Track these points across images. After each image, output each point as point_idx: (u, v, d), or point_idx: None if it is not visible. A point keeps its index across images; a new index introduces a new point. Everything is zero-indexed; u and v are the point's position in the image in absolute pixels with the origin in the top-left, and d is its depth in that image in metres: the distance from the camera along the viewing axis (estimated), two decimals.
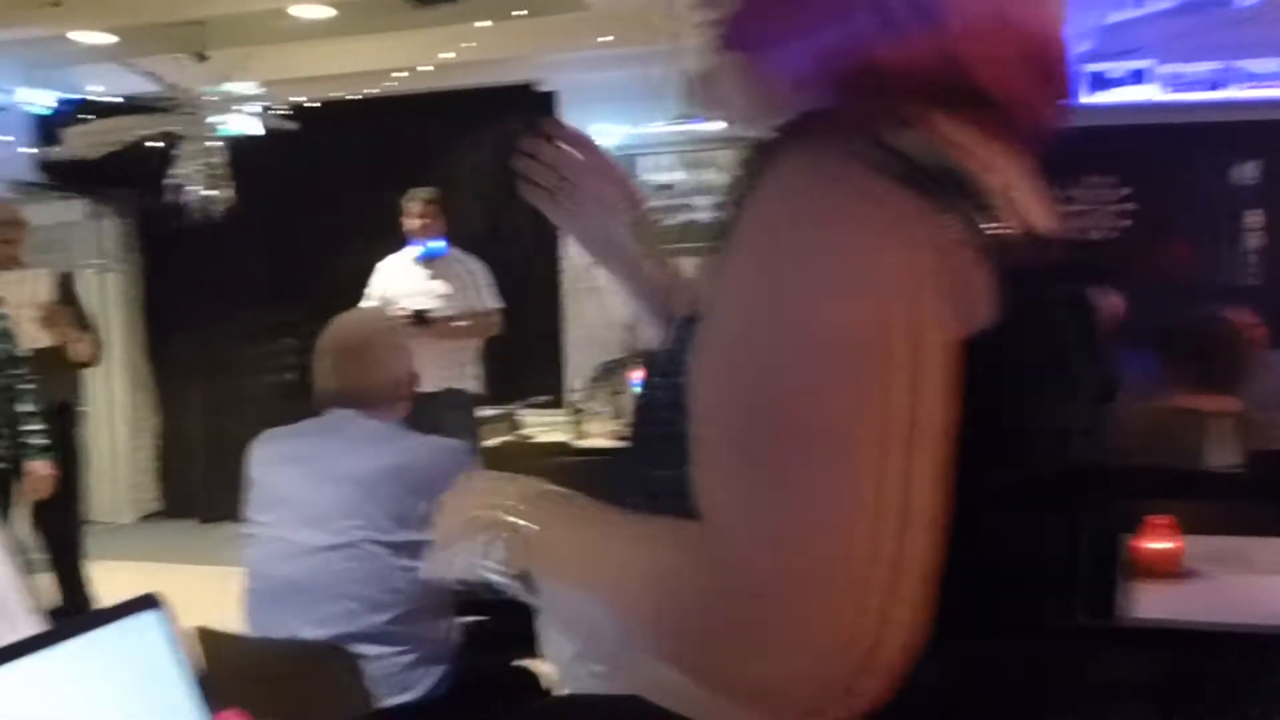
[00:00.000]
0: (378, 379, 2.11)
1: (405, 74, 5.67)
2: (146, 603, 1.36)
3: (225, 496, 7.03)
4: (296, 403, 7.03)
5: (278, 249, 6.83)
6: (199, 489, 7.26)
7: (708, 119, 6.33)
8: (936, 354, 0.66)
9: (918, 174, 0.67)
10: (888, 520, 0.63)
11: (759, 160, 0.76)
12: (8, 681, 1.14)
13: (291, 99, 5.59)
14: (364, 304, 5.35)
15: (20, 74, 6.31)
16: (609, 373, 5.66)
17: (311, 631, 1.96)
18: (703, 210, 6.61)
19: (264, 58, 5.35)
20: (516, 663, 2.41)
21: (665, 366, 0.82)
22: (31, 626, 1.40)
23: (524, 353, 6.15)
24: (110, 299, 7.11)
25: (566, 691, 1.72)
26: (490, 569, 0.83)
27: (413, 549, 2.00)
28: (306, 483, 2.04)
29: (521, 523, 0.85)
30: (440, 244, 5.42)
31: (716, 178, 6.61)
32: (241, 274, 6.91)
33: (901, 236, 0.67)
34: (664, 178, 6.71)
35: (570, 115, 6.62)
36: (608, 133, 6.55)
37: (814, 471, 0.64)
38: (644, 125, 6.56)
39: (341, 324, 2.33)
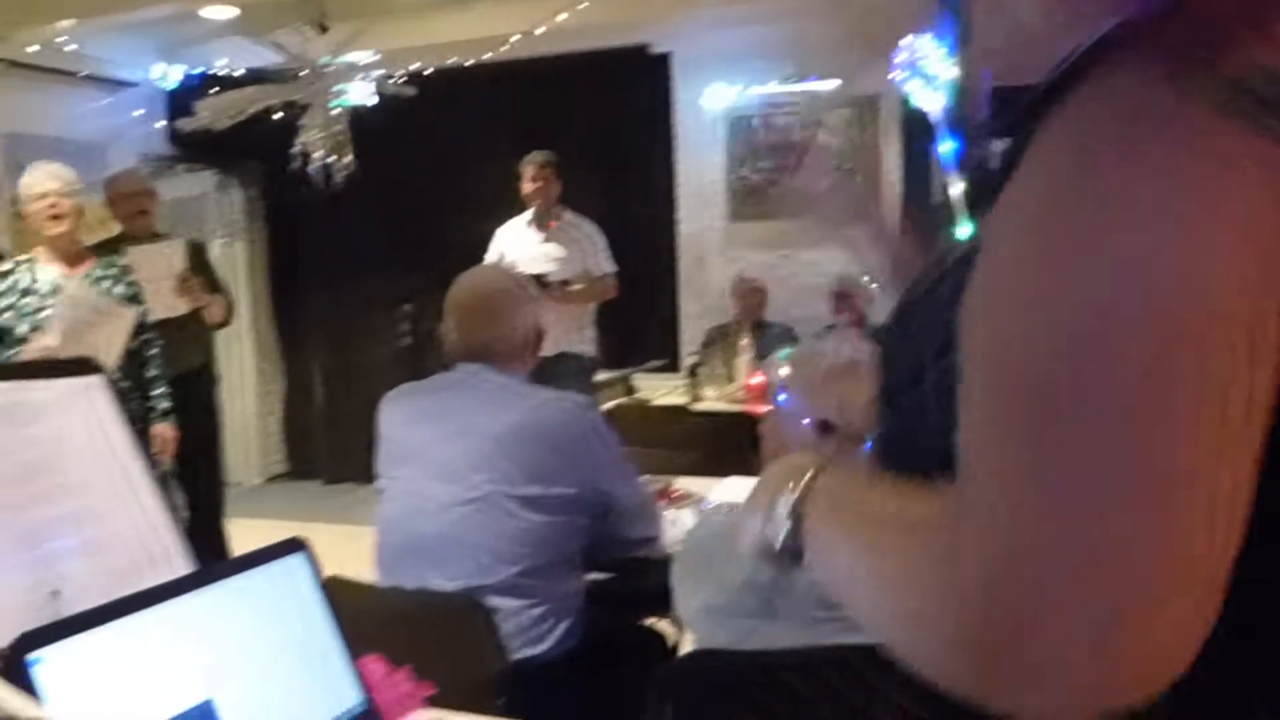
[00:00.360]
0: (506, 334, 2.11)
1: (520, 39, 5.68)
2: (292, 546, 1.39)
3: (346, 459, 7.32)
4: (414, 368, 7.21)
5: (397, 216, 6.96)
6: (322, 452, 7.50)
7: (825, 77, 6.22)
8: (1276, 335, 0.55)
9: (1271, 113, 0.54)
10: (1221, 518, 0.55)
11: (1034, 109, 0.63)
12: (168, 616, 1.17)
13: (409, 67, 5.66)
14: None
15: (152, 51, 6.54)
16: (724, 336, 5.63)
17: (445, 584, 1.99)
18: None
19: (382, 28, 5.42)
20: (641, 622, 2.41)
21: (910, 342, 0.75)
22: (187, 569, 1.44)
23: (640, 317, 6.15)
24: (238, 268, 7.36)
25: (697, 647, 1.72)
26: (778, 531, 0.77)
27: (540, 503, 2.01)
28: (437, 437, 2.06)
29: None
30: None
31: (831, 140, 6.49)
32: (362, 241, 7.06)
33: (1252, 189, 0.55)
34: (779, 139, 6.61)
35: (684, 78, 6.57)
36: (722, 94, 6.49)
37: (1144, 462, 0.55)
38: (758, 86, 6.47)
39: (471, 279, 2.35)
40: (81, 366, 1.50)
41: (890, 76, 4.96)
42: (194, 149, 6.79)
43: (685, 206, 6.65)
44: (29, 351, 3.21)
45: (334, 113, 4.97)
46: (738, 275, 6.01)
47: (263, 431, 7.67)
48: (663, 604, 2.19)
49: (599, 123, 6.68)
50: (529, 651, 1.99)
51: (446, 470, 2.02)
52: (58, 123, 6.01)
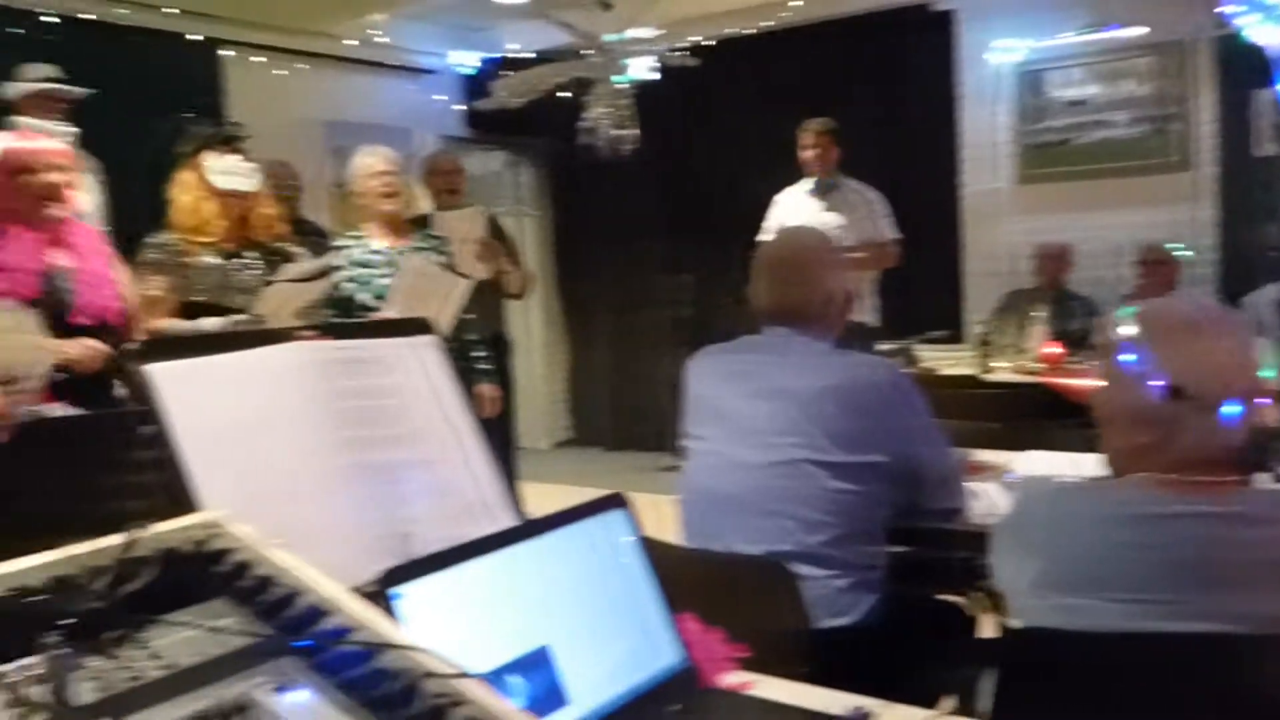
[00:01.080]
0: (815, 296, 2.07)
1: (801, 3, 5.59)
2: (614, 501, 1.43)
3: (629, 426, 7.54)
4: (694, 337, 7.30)
5: (678, 187, 7.06)
6: (605, 418, 7.76)
7: (1128, 25, 5.75)
8: None
9: None
10: None
11: None
12: (507, 563, 1.23)
13: (690, 39, 5.72)
14: (762, 237, 5.40)
15: (450, 39, 6.95)
16: (1018, 303, 5.34)
17: (747, 547, 1.98)
18: (1120, 126, 6.04)
19: (664, 2, 5.49)
20: (941, 597, 2.32)
21: None
22: (510, 520, 1.51)
23: (922, 284, 5.94)
24: (527, 242, 7.71)
25: (1020, 623, 1.62)
26: None
27: (848, 471, 1.96)
28: (745, 399, 2.05)
29: None
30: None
31: (1136, 89, 5.99)
32: (643, 213, 7.22)
33: None
34: (1074, 93, 6.18)
35: (969, 34, 6.26)
36: (1009, 49, 6.13)
37: None
38: (1050, 38, 6.07)
39: (780, 240, 2.32)
40: (417, 327, 1.60)
41: (1219, 11, 4.51)
42: (488, 129, 7.17)
43: (970, 169, 6.36)
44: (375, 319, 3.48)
45: (619, 87, 5.09)
46: (1040, 241, 5.68)
47: (550, 398, 8.03)
48: (967, 578, 2.10)
49: (879, 86, 6.49)
50: (832, 622, 1.96)
51: (752, 432, 2.01)
52: (370, 108, 6.51)
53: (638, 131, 5.09)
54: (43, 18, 4.84)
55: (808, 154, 5.30)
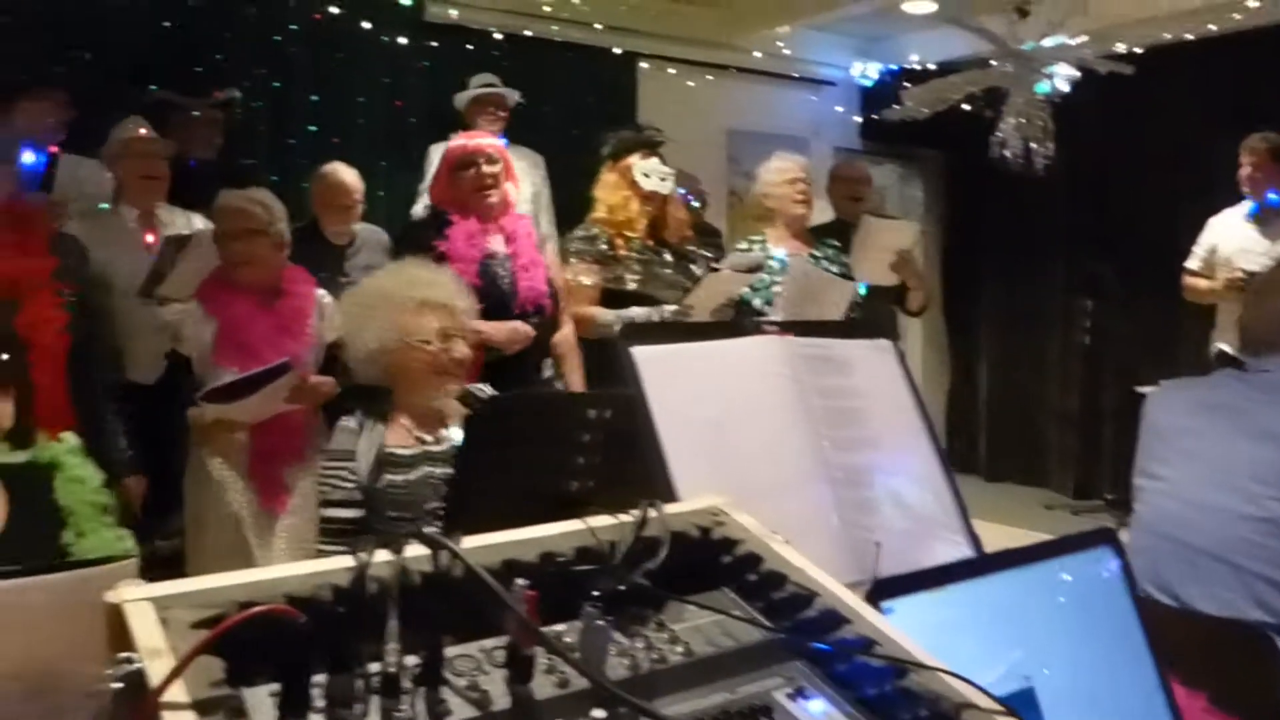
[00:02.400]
0: None
1: (1257, 4, 4.99)
2: (1102, 537, 1.28)
3: (1009, 458, 7.10)
4: (1091, 370, 6.73)
5: (1087, 204, 6.55)
6: (983, 448, 7.36)
7: None
8: None
9: None
10: None
11: None
12: (993, 589, 1.13)
13: (1118, 46, 5.27)
14: (1189, 263, 4.89)
15: (852, 50, 6.89)
16: None
17: (1205, 605, 1.74)
18: None
19: (1088, 5, 5.09)
20: None
21: None
22: (965, 538, 1.41)
23: None
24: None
25: None
26: None
27: None
28: (1223, 438, 1.80)
29: None
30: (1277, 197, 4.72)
31: None
32: (1045, 231, 6.78)
33: None
34: None
35: None
36: None
37: None
38: None
39: None
40: (876, 330, 1.54)
41: None
42: (882, 142, 7.03)
43: None
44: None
45: (1037, 98, 4.78)
46: None
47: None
48: None
49: None
50: None
51: (1228, 476, 1.76)
52: (769, 118, 6.58)
53: (1053, 146, 4.75)
54: (495, 34, 5.31)
55: (1246, 174, 4.74)
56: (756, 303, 3.67)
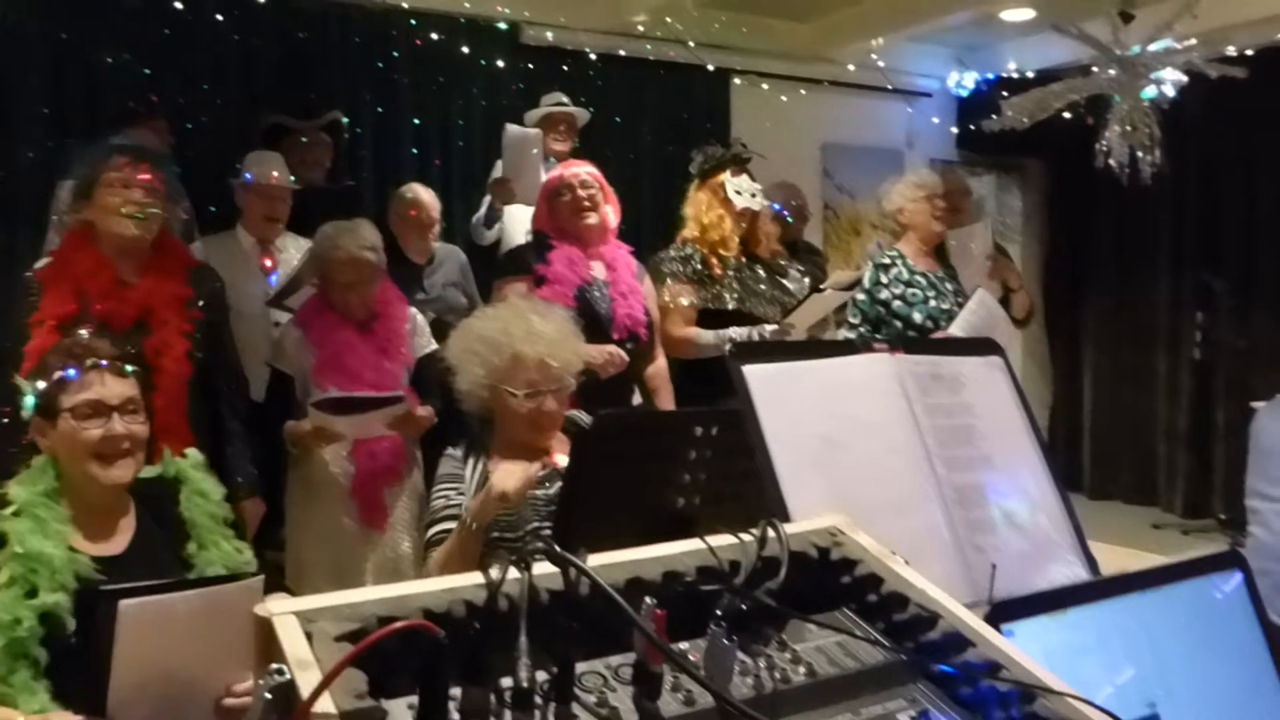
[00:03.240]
0: None
1: None
2: (1229, 560, 1.25)
3: (1113, 475, 6.89)
4: (1202, 386, 6.51)
5: (1200, 215, 6.35)
6: (1086, 464, 7.15)
7: None
8: None
9: None
10: None
11: None
12: (1102, 616, 1.11)
13: (1228, 49, 5.10)
14: None
15: (948, 60, 6.80)
16: None
17: None
18: None
19: (1196, 8, 4.94)
20: None
21: None
22: (1077, 558, 1.38)
23: None
24: None
25: None
26: None
27: None
28: None
29: None
30: None
31: None
32: (1153, 243, 6.59)
33: None
34: None
35: None
36: None
37: None
38: None
39: None
40: (986, 346, 1.52)
41: None
42: (979, 152, 6.91)
43: None
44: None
45: (1142, 105, 4.65)
46: None
47: None
48: None
49: None
50: None
51: None
52: (863, 131, 6.53)
53: (1160, 155, 4.61)
54: (590, 55, 5.38)
55: None
56: (917, 318, 3.78)
